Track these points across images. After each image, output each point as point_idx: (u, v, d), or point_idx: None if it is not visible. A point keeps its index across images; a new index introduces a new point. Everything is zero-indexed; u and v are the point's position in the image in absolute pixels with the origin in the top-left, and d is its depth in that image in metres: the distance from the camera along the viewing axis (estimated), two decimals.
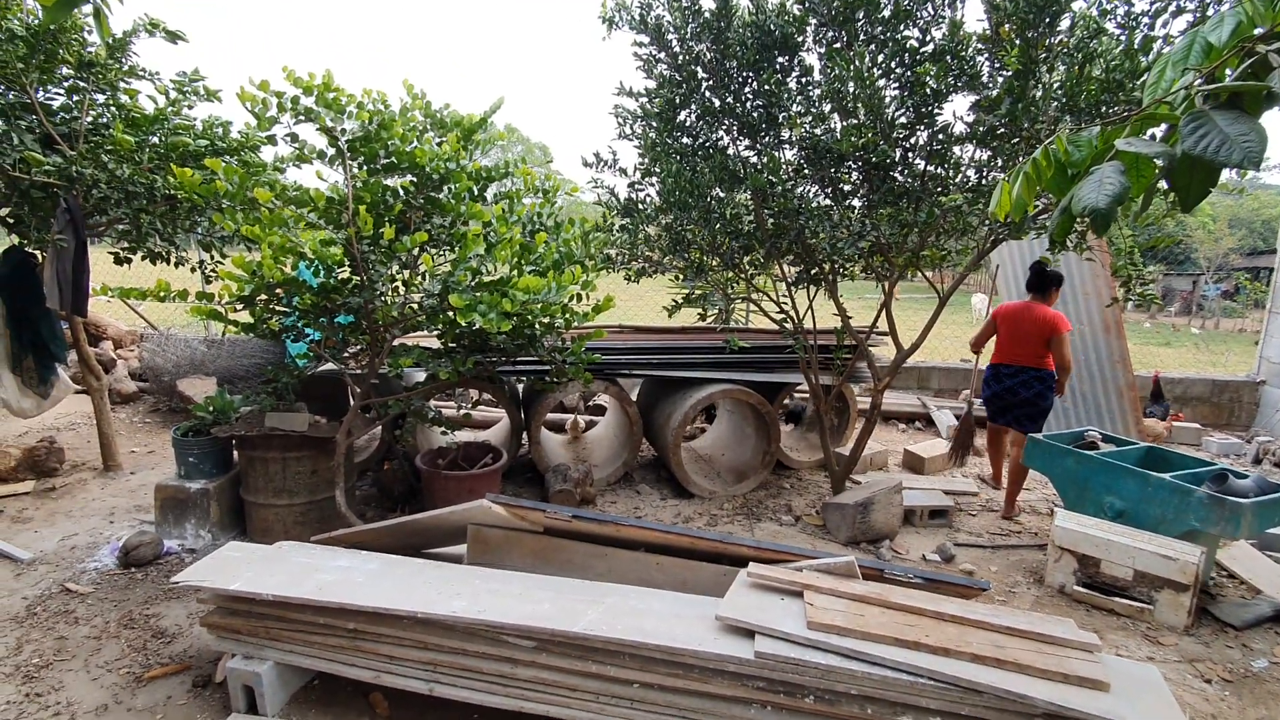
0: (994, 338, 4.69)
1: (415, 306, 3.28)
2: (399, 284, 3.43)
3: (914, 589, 2.44)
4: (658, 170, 3.87)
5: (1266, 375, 6.55)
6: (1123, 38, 3.22)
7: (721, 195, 4.06)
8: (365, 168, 3.28)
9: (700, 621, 2.18)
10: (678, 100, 3.99)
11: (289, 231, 2.91)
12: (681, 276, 4.09)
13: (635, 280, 4.22)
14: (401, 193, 3.26)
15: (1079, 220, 1.56)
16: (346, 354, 3.72)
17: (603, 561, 2.58)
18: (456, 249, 3.10)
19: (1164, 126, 1.65)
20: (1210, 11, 3.23)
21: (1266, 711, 2.75)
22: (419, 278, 3.41)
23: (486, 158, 4.02)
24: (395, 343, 3.45)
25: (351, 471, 4.09)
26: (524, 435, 4.84)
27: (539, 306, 3.03)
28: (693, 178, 3.80)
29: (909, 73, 3.50)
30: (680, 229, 4.07)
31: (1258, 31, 1.53)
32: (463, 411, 3.80)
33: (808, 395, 6.17)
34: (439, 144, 3.36)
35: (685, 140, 4.09)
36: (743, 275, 4.23)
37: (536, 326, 3.35)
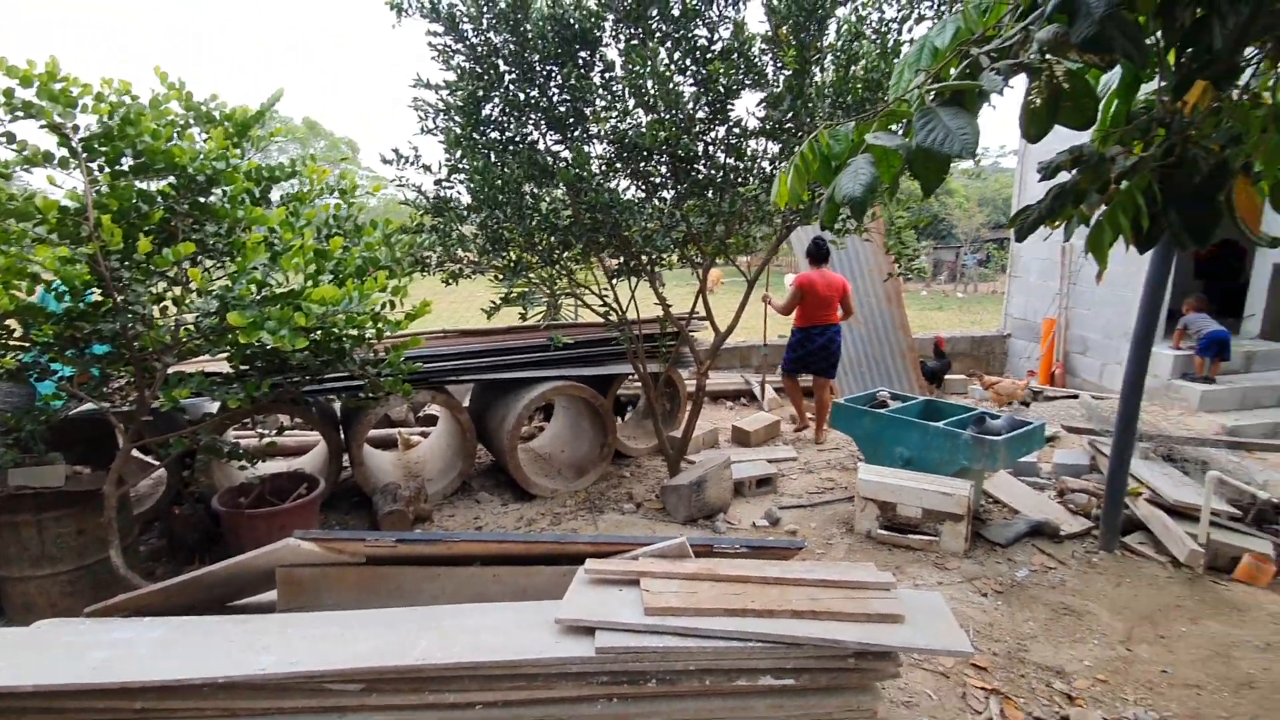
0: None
1: (191, 328, 2.87)
2: (168, 303, 2.98)
3: (741, 558, 2.59)
4: (465, 166, 3.72)
5: (1011, 329, 7.87)
6: (877, 42, 3.63)
7: (535, 191, 4.01)
8: (109, 170, 2.79)
9: (541, 628, 2.14)
10: (480, 93, 3.86)
11: (20, 250, 2.40)
12: (501, 276, 3.98)
13: (454, 283, 4.04)
14: (160, 198, 2.82)
15: (842, 208, 1.72)
16: (110, 389, 3.17)
17: (435, 583, 2.44)
18: (236, 259, 2.75)
19: (905, 121, 1.87)
20: (943, 18, 3.77)
21: (1030, 613, 3.30)
22: (192, 295, 2.98)
23: (269, 155, 3.62)
24: (170, 371, 2.99)
25: (131, 525, 3.51)
26: (345, 457, 4.46)
27: (342, 318, 2.78)
28: (503, 173, 3.70)
29: (702, 70, 3.68)
30: (496, 227, 3.96)
31: (973, 36, 1.79)
32: (266, 440, 3.40)
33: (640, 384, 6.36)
34: (205, 140, 2.95)
35: (493, 134, 3.97)
36: (564, 271, 4.22)
37: (344, 339, 3.08)
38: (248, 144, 3.14)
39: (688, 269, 4.65)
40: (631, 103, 3.86)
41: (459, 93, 3.83)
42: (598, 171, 3.77)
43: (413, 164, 3.84)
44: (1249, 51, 1.78)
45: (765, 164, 4.08)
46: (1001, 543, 3.98)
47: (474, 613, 2.25)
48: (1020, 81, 1.53)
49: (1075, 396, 6.31)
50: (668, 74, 3.56)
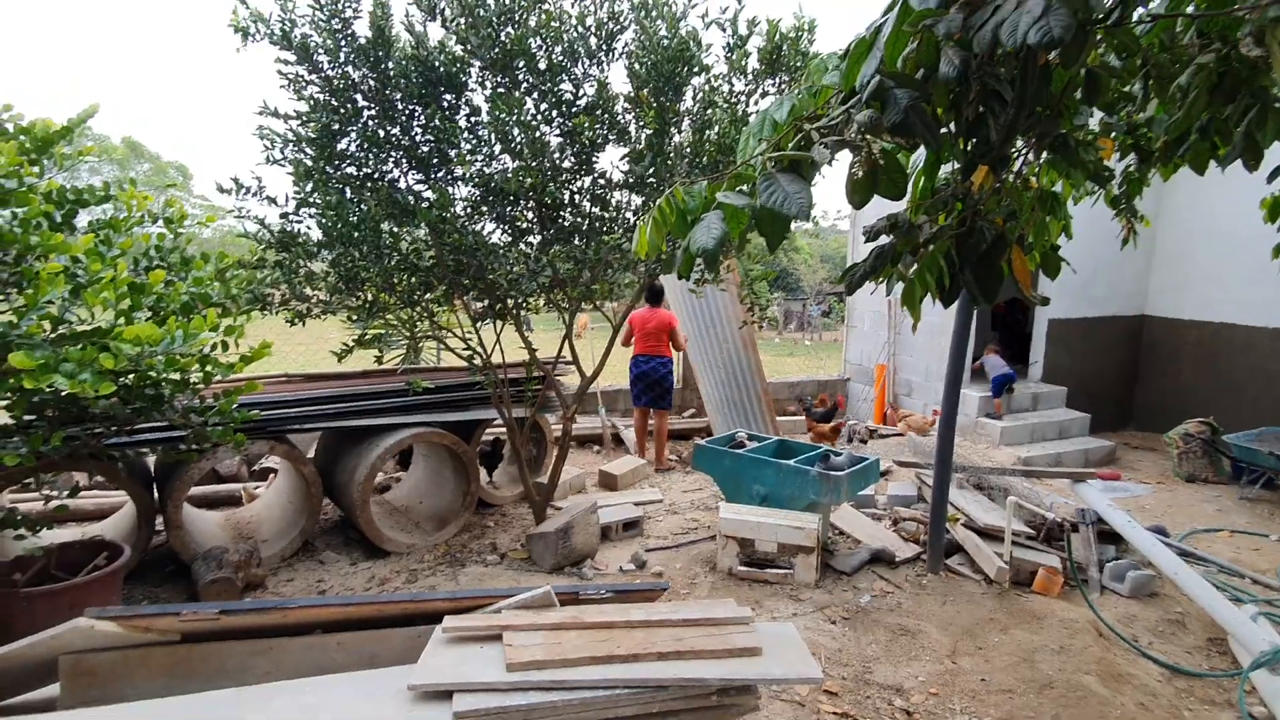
0: (634, 337, 6.25)
1: None
2: None
3: (607, 603, 2.58)
4: (316, 200, 3.52)
5: (850, 374, 8.65)
6: (728, 110, 3.94)
7: (394, 230, 3.86)
8: None
9: (392, 698, 1.98)
10: (336, 127, 3.70)
11: None
12: (355, 317, 3.76)
13: (300, 323, 3.75)
14: None
15: (697, 259, 1.83)
16: None
17: (266, 658, 2.18)
18: (26, 291, 2.38)
19: (751, 184, 2.03)
20: (782, 95, 4.19)
21: (873, 635, 3.55)
22: None
23: (78, 176, 3.20)
24: None
25: None
26: (160, 519, 3.91)
27: (161, 359, 2.48)
28: (359, 210, 3.54)
29: (568, 122, 3.79)
30: (350, 265, 3.75)
31: (806, 114, 2.00)
32: (54, 504, 2.91)
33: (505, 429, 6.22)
34: None
35: (349, 170, 3.80)
36: (426, 313, 4.07)
37: (162, 384, 2.74)
38: (49, 162, 2.77)
39: (554, 313, 4.68)
40: (498, 148, 3.88)
41: (311, 124, 3.64)
42: (463, 214, 3.72)
43: (255, 195, 3.57)
44: (1020, 144, 2.17)
45: (629, 214, 4.24)
46: (847, 571, 4.27)
47: (313, 688, 2.03)
48: (845, 156, 1.73)
49: (903, 435, 7.01)
50: (534, 124, 3.63)
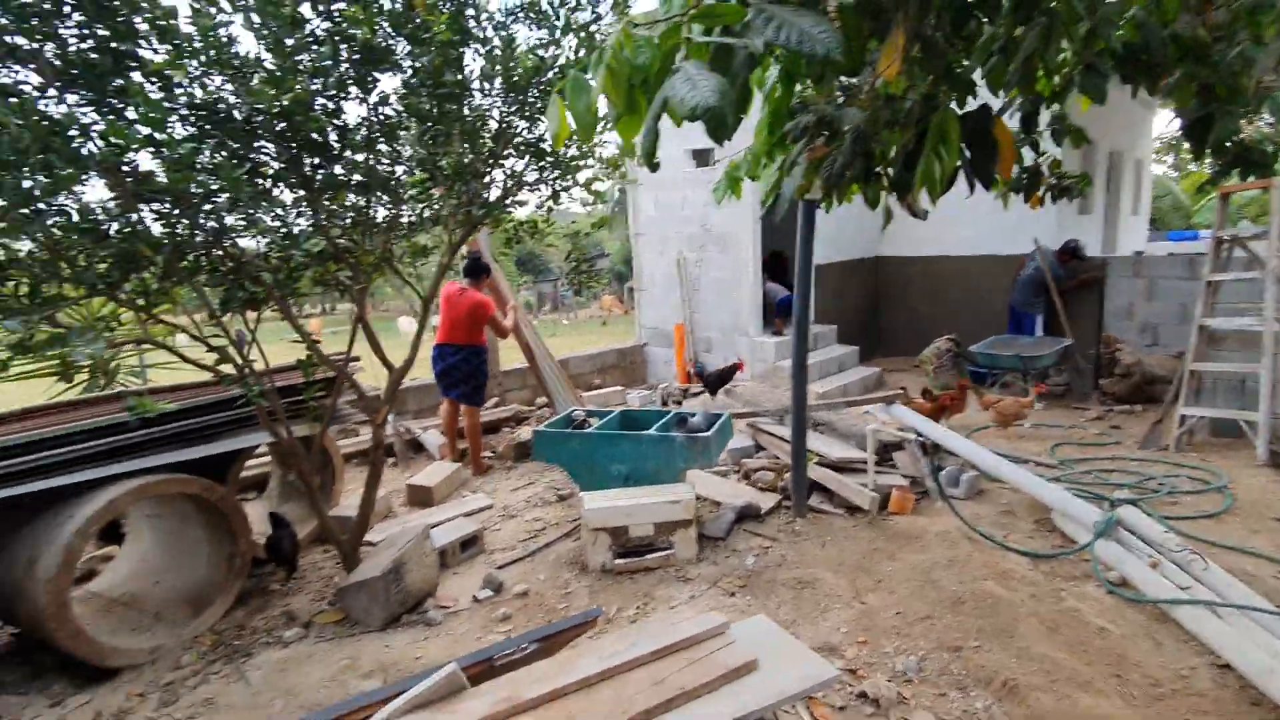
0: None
1: None
2: None
3: (536, 660, 1.84)
4: None
5: (647, 339, 8.52)
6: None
7: (51, 180, 2.44)
8: None
9: None
10: None
11: None
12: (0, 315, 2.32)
13: None
14: None
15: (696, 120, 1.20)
16: None
17: None
18: None
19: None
20: None
21: (777, 597, 3.27)
22: None
23: None
24: None
25: None
26: None
27: None
28: None
29: (332, 17, 2.74)
30: None
31: None
32: None
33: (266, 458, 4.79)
34: None
35: None
36: (133, 305, 2.72)
37: None
38: None
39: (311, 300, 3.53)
40: (213, 52, 2.65)
41: None
42: (184, 150, 2.47)
43: None
44: None
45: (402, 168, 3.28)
46: (720, 536, 3.97)
47: None
48: None
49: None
50: (283, 9, 2.54)
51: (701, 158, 7.46)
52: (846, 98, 2.22)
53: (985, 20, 1.84)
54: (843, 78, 2.15)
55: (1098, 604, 3.04)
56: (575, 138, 1.44)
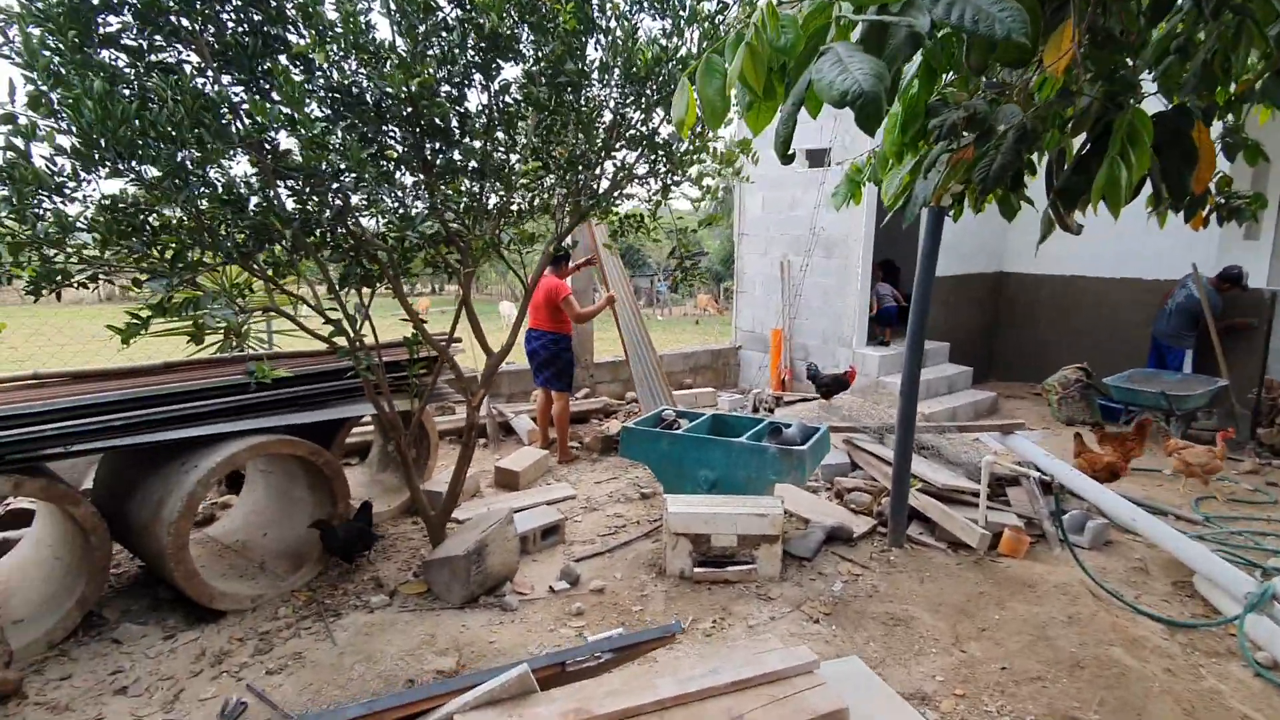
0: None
1: None
2: None
3: (609, 669, 1.77)
4: (62, 96, 2.22)
5: (741, 341, 8.32)
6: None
7: (201, 153, 2.62)
8: None
9: None
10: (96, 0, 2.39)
11: None
12: (145, 278, 2.51)
13: (48, 294, 2.42)
14: None
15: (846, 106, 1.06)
16: None
17: None
18: None
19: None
20: None
21: (866, 632, 3.05)
22: None
23: None
24: None
25: None
26: None
27: None
28: (141, 115, 2.30)
29: (464, 5, 2.78)
30: (134, 202, 2.49)
31: None
32: None
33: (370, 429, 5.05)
34: None
35: (120, 59, 2.51)
36: (264, 275, 2.89)
37: None
38: None
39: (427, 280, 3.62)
40: (354, 37, 2.76)
41: None
42: (317, 130, 2.58)
43: None
44: None
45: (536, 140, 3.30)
46: (806, 556, 3.77)
47: None
48: None
49: (810, 399, 6.77)
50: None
51: (816, 158, 7.15)
52: (995, 95, 2.00)
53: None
54: (986, 75, 1.94)
55: (1243, 688, 2.63)
56: (699, 125, 1.34)
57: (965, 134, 1.81)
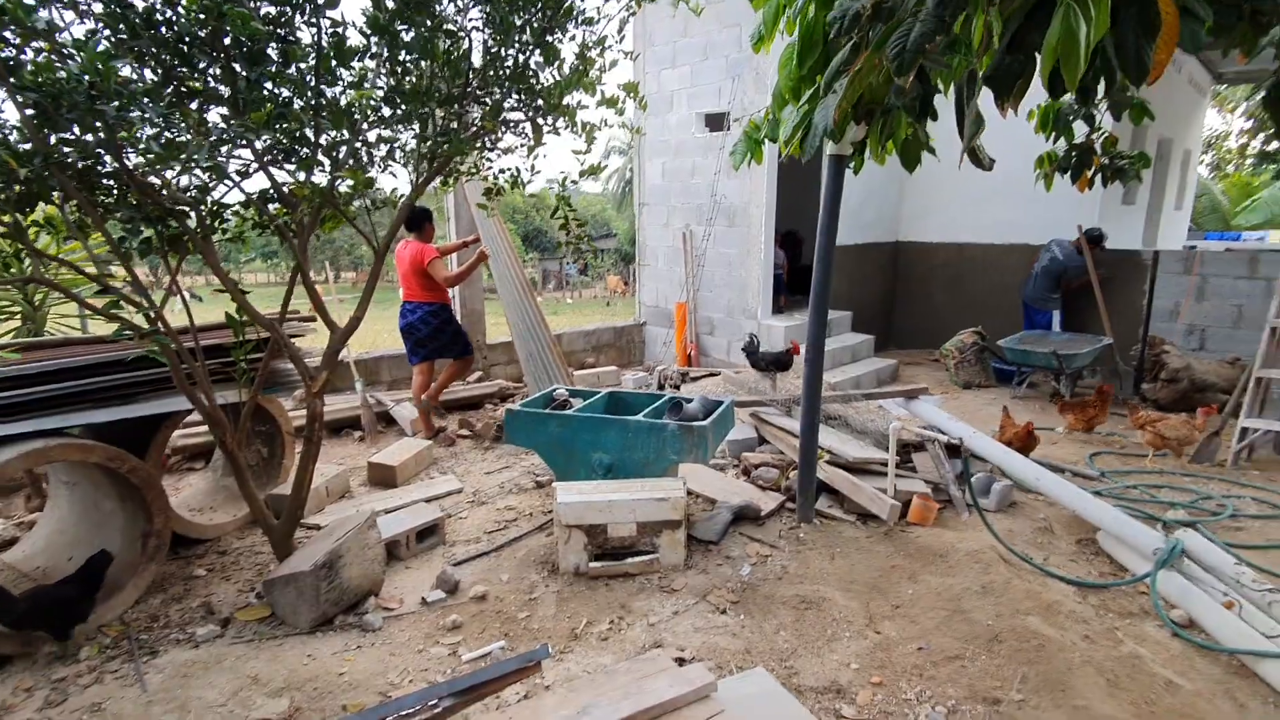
0: None
1: None
2: None
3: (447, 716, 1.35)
4: None
5: (645, 317, 7.99)
6: None
7: None
8: None
9: None
10: None
11: None
12: None
13: None
14: None
15: None
16: None
17: None
18: None
19: None
20: None
21: (776, 619, 2.78)
22: None
23: None
24: None
25: None
26: None
27: None
28: None
29: None
30: None
31: None
32: None
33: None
34: None
35: None
36: (12, 238, 2.22)
37: None
38: None
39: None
40: None
41: None
42: (80, 55, 1.94)
43: None
44: None
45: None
46: (713, 540, 3.48)
47: None
48: None
49: (716, 374, 6.54)
50: None
51: (715, 122, 6.87)
52: None
53: None
54: None
55: (1163, 650, 2.54)
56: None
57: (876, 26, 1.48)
